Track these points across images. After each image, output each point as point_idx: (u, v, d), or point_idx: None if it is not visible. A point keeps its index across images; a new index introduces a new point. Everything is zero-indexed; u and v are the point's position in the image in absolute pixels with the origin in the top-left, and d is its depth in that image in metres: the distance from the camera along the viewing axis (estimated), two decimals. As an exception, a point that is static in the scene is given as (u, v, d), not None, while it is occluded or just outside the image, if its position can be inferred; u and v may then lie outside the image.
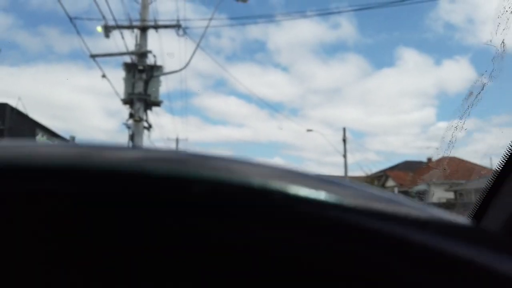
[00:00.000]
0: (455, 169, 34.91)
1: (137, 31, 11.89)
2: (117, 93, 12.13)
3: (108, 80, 11.83)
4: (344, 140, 39.03)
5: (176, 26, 11.75)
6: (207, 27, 11.12)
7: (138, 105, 11.82)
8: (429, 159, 46.85)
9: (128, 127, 11.77)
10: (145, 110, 12.11)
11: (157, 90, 12.31)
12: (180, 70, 12.24)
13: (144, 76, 12.01)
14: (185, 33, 11.75)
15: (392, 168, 50.16)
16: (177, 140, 52.70)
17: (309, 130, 40.30)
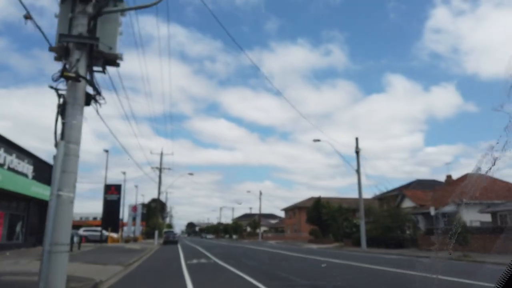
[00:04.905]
0: (489, 188, 30.20)
1: None
2: (47, 40, 7.45)
3: (33, 21, 7.19)
4: (357, 152, 34.35)
5: None
6: None
7: (78, 54, 7.14)
8: (449, 177, 41.83)
9: (57, 90, 7.03)
10: (90, 67, 7.40)
11: (112, 36, 7.67)
12: (154, 4, 7.63)
13: (90, 9, 7.39)
14: None
15: (406, 187, 45.57)
16: (161, 155, 48.18)
17: (316, 140, 35.78)
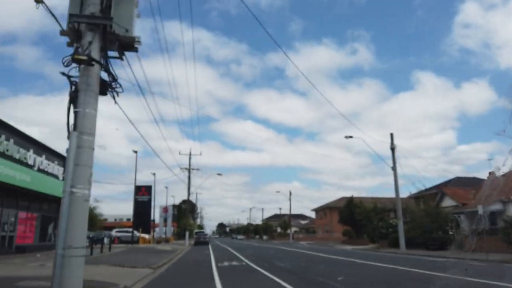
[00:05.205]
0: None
1: None
2: (59, 23, 6.79)
3: (45, 5, 6.54)
4: (393, 149, 32.58)
5: None
6: None
7: (90, 36, 6.44)
8: (491, 173, 39.13)
9: (69, 77, 6.36)
10: (104, 51, 6.69)
11: (128, 18, 6.93)
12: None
13: (103, -14, 6.68)
14: None
15: (444, 185, 43.10)
16: (189, 155, 47.79)
17: (348, 137, 34.27)
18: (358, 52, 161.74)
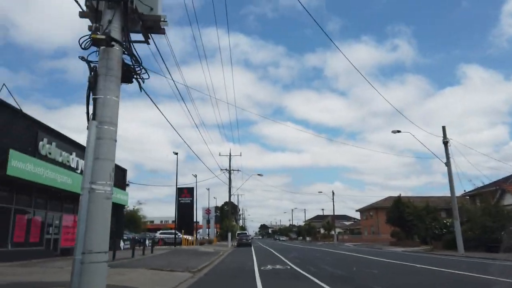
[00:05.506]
0: None
1: None
2: (78, 5, 6.16)
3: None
4: (446, 143, 30.11)
5: None
6: None
7: (109, 15, 5.73)
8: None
9: (89, 62, 5.70)
10: (126, 31, 5.96)
11: (153, -7, 6.18)
12: None
13: (123, -42, 5.96)
14: None
15: (504, 181, 39.55)
16: (229, 155, 47.28)
17: (395, 132, 32.22)
18: (399, 48, 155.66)
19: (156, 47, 24.91)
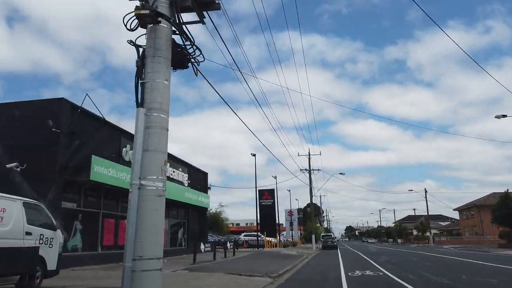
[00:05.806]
0: None
1: None
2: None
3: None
4: None
5: None
6: None
7: (155, -11, 5.05)
8: None
9: (137, 47, 5.11)
10: (174, 5, 5.25)
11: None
12: None
13: None
14: None
15: None
16: (309, 155, 45.61)
17: (499, 116, 28.02)
18: (493, 29, 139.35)
19: (229, 51, 24.81)
